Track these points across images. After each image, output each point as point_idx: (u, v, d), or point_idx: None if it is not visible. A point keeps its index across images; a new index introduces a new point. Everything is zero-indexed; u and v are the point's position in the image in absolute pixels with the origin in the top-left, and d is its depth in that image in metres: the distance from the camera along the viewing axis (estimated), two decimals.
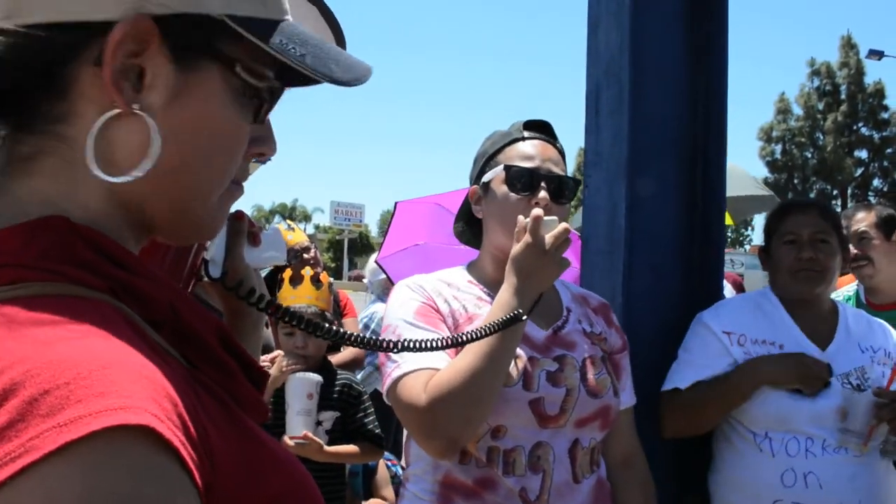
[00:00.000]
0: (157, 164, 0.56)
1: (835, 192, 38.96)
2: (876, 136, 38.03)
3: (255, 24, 0.59)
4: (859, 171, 38.47)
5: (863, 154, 38.63)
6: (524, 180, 1.47)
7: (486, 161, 1.56)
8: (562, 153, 1.56)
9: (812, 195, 37.98)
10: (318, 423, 2.45)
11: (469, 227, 1.66)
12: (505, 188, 1.49)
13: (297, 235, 3.82)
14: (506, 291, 1.36)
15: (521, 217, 1.37)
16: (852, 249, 2.55)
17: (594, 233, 2.01)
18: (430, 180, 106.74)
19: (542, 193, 1.45)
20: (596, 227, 2.00)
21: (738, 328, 1.90)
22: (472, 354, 1.33)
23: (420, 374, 1.36)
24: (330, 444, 2.47)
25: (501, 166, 1.50)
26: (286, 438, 2.35)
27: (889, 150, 37.24)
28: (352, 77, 0.64)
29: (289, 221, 4.07)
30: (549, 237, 1.33)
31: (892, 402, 1.77)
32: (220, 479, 0.50)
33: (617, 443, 1.59)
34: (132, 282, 0.55)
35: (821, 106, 38.32)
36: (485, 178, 1.54)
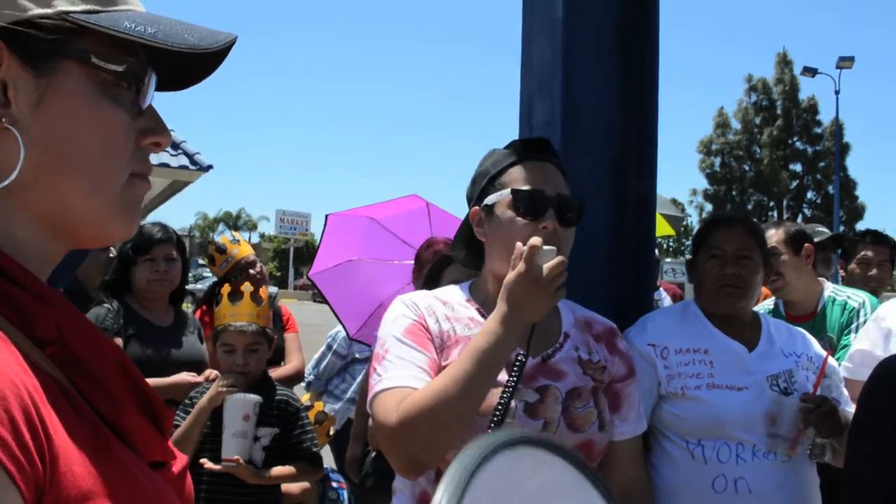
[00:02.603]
0: (41, 168, 0.61)
1: (771, 204, 40.30)
2: (809, 150, 39.56)
3: (98, 15, 0.62)
4: (794, 184, 39.86)
5: (797, 167, 40.09)
6: (531, 205, 1.44)
7: (487, 182, 1.52)
8: (563, 173, 1.53)
9: (750, 207, 39.20)
10: (256, 439, 2.41)
11: (470, 249, 1.62)
12: (511, 213, 1.46)
13: (243, 248, 3.69)
14: (493, 319, 1.35)
15: (518, 244, 1.34)
16: None
17: None
18: (377, 188, 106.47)
19: (550, 218, 1.43)
20: None
21: (662, 340, 1.93)
22: (446, 378, 1.32)
23: (396, 392, 1.36)
24: (267, 460, 2.42)
25: (508, 190, 1.47)
26: (205, 462, 2.31)
27: (822, 164, 38.73)
28: (210, 42, 0.66)
29: (234, 233, 3.95)
30: (546, 267, 1.30)
31: (818, 406, 1.83)
32: (61, 489, 0.52)
33: (616, 474, 1.57)
34: (15, 296, 0.57)
35: (758, 120, 39.68)
36: (488, 201, 1.50)
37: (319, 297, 4.41)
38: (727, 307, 1.97)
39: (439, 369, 1.41)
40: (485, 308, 1.51)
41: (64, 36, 0.60)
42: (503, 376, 1.38)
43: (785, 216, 38.89)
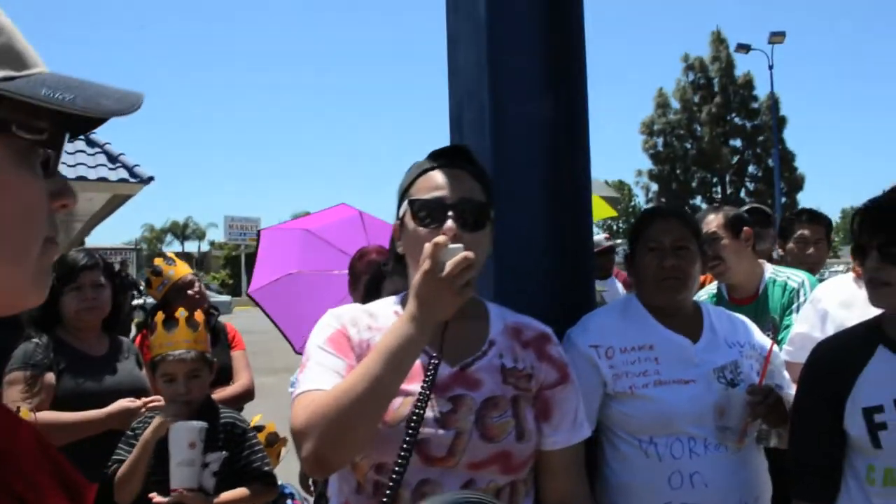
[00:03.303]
0: None
1: (714, 180, 41.17)
2: (748, 125, 40.47)
3: (15, 82, 0.59)
4: (735, 159, 40.78)
5: (737, 143, 41.00)
6: (429, 212, 1.46)
7: (400, 196, 1.54)
8: (479, 178, 1.53)
9: (694, 184, 39.99)
10: (205, 466, 2.34)
11: (398, 263, 1.62)
12: (413, 223, 1.47)
13: (179, 269, 3.52)
14: (401, 318, 1.35)
15: (426, 245, 1.34)
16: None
17: None
18: (325, 190, 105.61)
19: (449, 223, 1.43)
20: None
21: (605, 340, 1.92)
22: (352, 378, 1.33)
23: (308, 395, 1.37)
24: (220, 485, 2.35)
25: (408, 201, 1.50)
26: (154, 497, 2.23)
27: (761, 138, 39.68)
28: (126, 105, 0.65)
29: (170, 254, 3.80)
30: (449, 264, 1.31)
31: (765, 398, 1.85)
32: None
33: (550, 484, 1.55)
34: None
35: (696, 99, 40.42)
36: (399, 214, 1.53)
37: None
38: (668, 299, 1.97)
39: None
40: None
41: None
42: (416, 386, 1.37)
43: (728, 191, 39.81)
